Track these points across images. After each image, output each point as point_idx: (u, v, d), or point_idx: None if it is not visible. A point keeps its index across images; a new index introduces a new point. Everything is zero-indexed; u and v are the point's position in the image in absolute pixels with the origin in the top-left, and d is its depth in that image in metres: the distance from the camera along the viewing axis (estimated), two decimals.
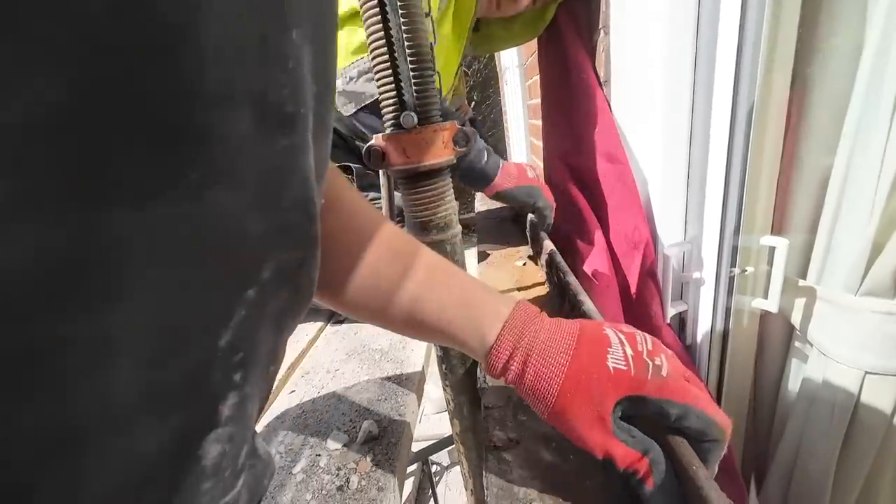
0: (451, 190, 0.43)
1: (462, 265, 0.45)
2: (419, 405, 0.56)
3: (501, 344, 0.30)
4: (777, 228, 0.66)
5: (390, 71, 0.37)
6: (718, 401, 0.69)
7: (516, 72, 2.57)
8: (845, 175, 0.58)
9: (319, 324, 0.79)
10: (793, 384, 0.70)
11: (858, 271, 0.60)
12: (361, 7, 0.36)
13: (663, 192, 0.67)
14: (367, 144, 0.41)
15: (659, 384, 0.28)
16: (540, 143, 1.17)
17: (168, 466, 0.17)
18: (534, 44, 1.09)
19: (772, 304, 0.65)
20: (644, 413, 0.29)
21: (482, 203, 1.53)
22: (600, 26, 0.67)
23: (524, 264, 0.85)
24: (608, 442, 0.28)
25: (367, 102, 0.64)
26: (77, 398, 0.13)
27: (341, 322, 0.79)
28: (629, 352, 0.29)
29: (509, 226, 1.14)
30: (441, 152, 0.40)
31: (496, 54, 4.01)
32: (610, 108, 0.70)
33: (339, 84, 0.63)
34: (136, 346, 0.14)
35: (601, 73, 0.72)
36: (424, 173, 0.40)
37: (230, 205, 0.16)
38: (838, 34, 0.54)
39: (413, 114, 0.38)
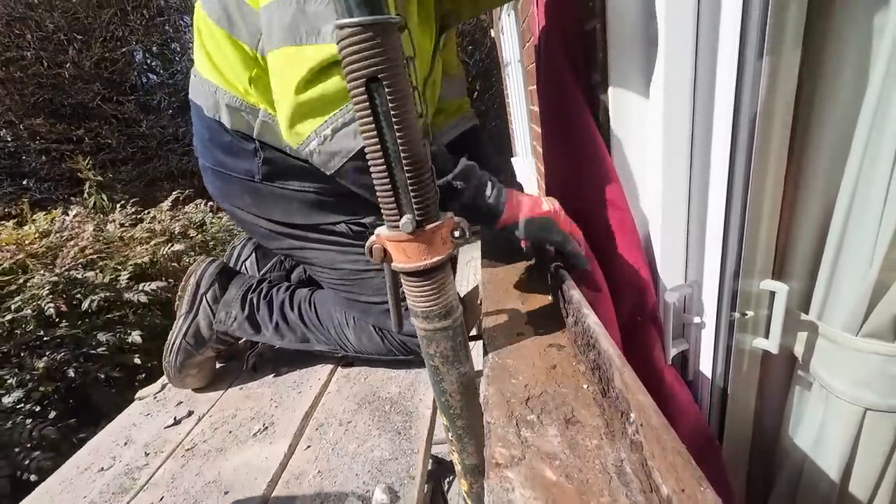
0: (452, 277, 0.45)
1: (465, 345, 0.46)
2: (426, 461, 0.58)
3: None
4: (778, 271, 0.66)
5: (388, 180, 0.39)
6: (720, 438, 0.71)
7: (518, 66, 2.53)
8: (846, 220, 0.58)
9: (329, 367, 0.82)
10: (794, 419, 0.71)
11: (860, 313, 0.60)
12: (359, 121, 0.37)
13: (663, 236, 0.67)
14: (369, 242, 0.43)
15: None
16: (539, 129, 1.15)
17: None
18: (533, 30, 1.05)
19: (772, 345, 0.66)
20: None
21: None
22: (598, 75, 0.67)
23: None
24: None
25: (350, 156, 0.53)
26: None
27: (350, 364, 0.81)
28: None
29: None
30: (440, 249, 0.41)
31: (497, 49, 3.93)
32: (609, 151, 0.70)
33: (314, 145, 0.54)
34: None
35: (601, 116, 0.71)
36: (425, 271, 0.41)
37: None
38: (843, 71, 0.53)
39: (412, 218, 0.39)
